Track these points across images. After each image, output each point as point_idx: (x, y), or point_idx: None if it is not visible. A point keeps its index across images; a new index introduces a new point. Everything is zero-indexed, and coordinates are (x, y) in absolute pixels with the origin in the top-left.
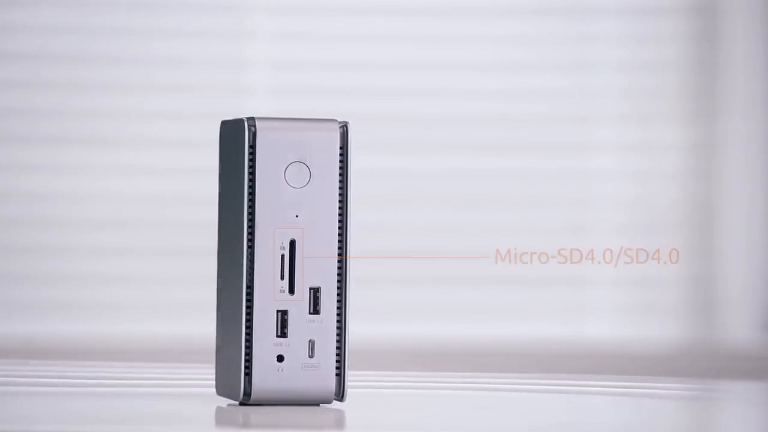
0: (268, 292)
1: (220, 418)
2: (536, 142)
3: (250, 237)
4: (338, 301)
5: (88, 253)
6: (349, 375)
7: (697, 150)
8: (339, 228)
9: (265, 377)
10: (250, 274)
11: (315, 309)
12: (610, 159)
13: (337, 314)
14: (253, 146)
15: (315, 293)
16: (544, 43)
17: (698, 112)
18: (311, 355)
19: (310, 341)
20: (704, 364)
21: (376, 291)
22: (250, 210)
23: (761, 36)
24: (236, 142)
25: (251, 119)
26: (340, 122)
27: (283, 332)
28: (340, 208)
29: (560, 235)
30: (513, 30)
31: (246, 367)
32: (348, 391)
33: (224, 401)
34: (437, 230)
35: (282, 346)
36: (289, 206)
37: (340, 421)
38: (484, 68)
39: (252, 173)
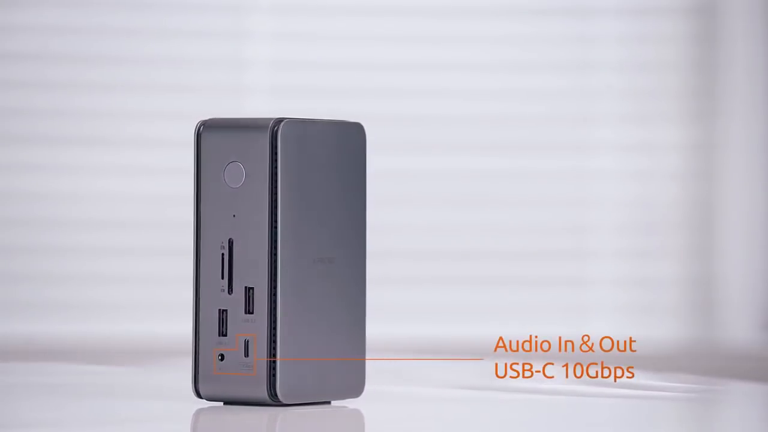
0: (211, 292)
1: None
2: (536, 142)
3: (197, 237)
4: (272, 301)
5: (88, 253)
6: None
7: (697, 150)
8: (273, 227)
9: (210, 376)
10: (196, 274)
11: (249, 308)
12: (610, 159)
13: (271, 314)
14: (198, 147)
15: (250, 293)
16: (543, 43)
17: (698, 112)
18: (246, 354)
19: (245, 341)
20: (704, 364)
21: (375, 291)
22: (196, 210)
23: (761, 36)
24: None
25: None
26: (275, 121)
27: (224, 331)
28: (274, 207)
29: (560, 235)
30: (513, 30)
31: (195, 365)
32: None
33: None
34: (437, 230)
35: (223, 345)
36: (228, 206)
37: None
38: (484, 68)
39: (198, 174)
